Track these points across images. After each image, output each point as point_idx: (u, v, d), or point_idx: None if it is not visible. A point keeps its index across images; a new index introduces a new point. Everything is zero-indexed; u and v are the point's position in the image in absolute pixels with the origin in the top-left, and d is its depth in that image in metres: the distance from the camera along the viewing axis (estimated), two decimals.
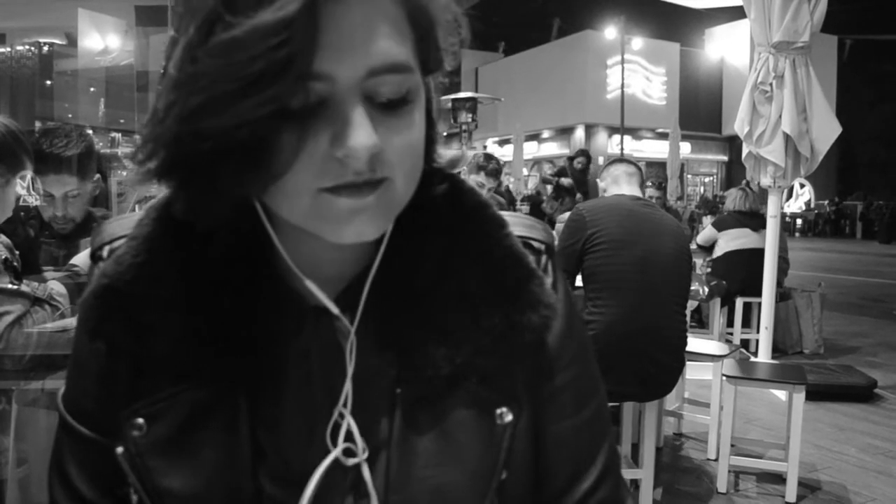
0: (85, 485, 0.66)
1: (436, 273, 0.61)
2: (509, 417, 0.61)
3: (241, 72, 0.46)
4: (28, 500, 1.80)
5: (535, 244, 0.67)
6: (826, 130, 4.29)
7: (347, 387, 0.59)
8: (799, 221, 24.58)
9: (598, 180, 3.17)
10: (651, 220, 2.81)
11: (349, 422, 0.59)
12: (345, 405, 0.59)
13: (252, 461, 0.59)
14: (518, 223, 0.68)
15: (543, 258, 0.67)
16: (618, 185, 3.00)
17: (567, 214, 3.15)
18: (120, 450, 0.59)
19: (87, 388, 0.65)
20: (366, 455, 0.59)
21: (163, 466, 0.58)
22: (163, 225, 0.60)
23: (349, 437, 0.59)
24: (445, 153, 0.65)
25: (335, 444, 0.59)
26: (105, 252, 0.65)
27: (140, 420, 0.59)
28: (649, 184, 5.81)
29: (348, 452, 0.59)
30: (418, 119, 0.54)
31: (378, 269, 0.61)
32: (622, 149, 19.97)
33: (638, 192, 2.98)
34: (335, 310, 0.59)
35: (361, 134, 0.49)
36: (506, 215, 0.67)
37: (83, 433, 0.65)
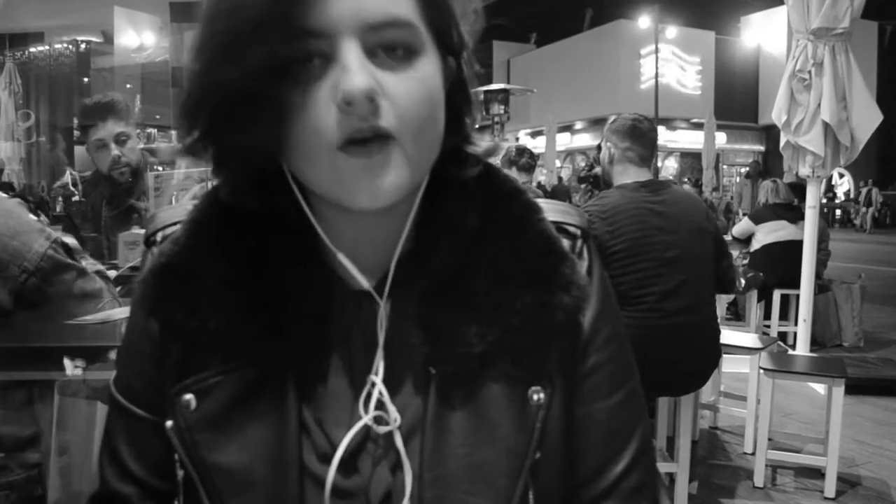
0: (134, 462, 0.68)
1: (469, 254, 0.63)
2: (542, 397, 0.62)
3: (240, 29, 0.51)
4: (69, 489, 1.84)
5: (571, 229, 0.68)
6: (866, 119, 4.19)
7: (378, 356, 0.62)
8: (838, 212, 24.02)
9: (605, 143, 2.87)
10: (661, 214, 2.66)
11: (380, 389, 0.61)
12: (376, 374, 0.61)
13: (298, 438, 0.61)
14: (554, 209, 0.69)
15: (579, 242, 0.68)
16: (626, 167, 2.78)
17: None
18: (169, 424, 0.62)
19: (138, 367, 0.67)
20: (398, 423, 0.60)
21: (211, 441, 0.60)
22: (216, 210, 0.64)
23: (383, 406, 0.61)
24: (482, 143, 0.66)
25: (368, 414, 0.60)
26: (159, 237, 0.68)
27: (190, 396, 0.61)
28: (685, 180, 5.74)
29: (382, 421, 0.60)
30: (428, 76, 0.56)
31: (414, 251, 0.63)
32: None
33: (647, 175, 2.78)
34: (366, 284, 0.62)
35: (356, 77, 0.52)
36: (541, 202, 0.68)
37: (134, 412, 0.68)
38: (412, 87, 0.55)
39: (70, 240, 1.64)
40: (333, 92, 0.52)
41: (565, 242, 0.66)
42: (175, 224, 0.67)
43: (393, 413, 0.60)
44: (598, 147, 3.12)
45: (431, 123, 0.57)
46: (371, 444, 0.61)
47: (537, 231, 0.65)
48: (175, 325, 0.62)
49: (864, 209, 22.14)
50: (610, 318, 0.69)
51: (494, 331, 0.60)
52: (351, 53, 0.52)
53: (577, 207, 0.72)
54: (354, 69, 0.52)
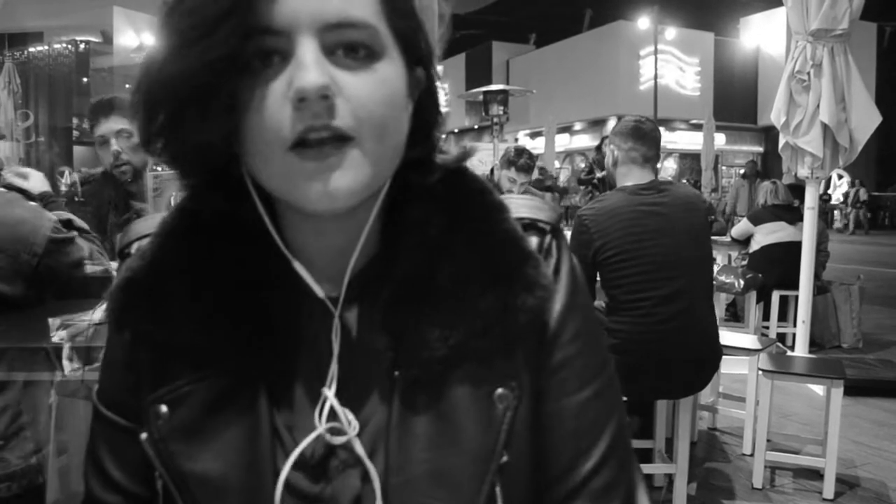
0: (117, 472, 0.68)
1: (432, 257, 0.62)
2: (509, 399, 0.61)
3: (199, 25, 0.51)
4: (67, 489, 1.84)
5: (541, 224, 0.67)
6: (865, 120, 4.19)
7: (332, 366, 0.61)
8: (836, 213, 23.98)
9: (609, 146, 2.88)
10: (659, 216, 2.64)
11: (332, 401, 0.60)
12: (329, 385, 0.61)
13: (270, 445, 0.61)
14: (525, 205, 0.69)
15: (548, 238, 0.67)
16: (630, 168, 2.78)
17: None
18: (144, 435, 0.62)
19: (116, 377, 0.68)
20: (355, 432, 0.60)
21: (185, 450, 0.60)
22: (184, 221, 0.64)
23: (343, 416, 0.60)
24: (451, 151, 0.66)
25: (321, 425, 0.60)
26: (133, 249, 0.68)
27: (163, 407, 0.61)
28: (684, 181, 5.75)
29: (341, 431, 0.60)
30: (388, 78, 0.56)
31: (381, 257, 0.63)
32: None
33: (650, 175, 2.77)
34: (321, 293, 0.62)
35: (310, 73, 0.51)
36: (514, 197, 0.68)
37: (114, 421, 0.68)
38: (371, 87, 0.54)
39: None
40: (288, 89, 0.52)
41: (534, 239, 0.66)
42: (147, 236, 0.67)
43: (353, 422, 0.60)
44: (597, 148, 3.15)
45: (393, 125, 0.57)
46: (341, 450, 0.61)
47: (502, 231, 0.64)
48: (144, 337, 0.62)
49: (850, 210, 22.07)
50: (579, 312, 0.67)
51: (457, 334, 0.59)
52: (307, 50, 0.52)
53: (549, 202, 0.71)
54: (308, 65, 0.52)
